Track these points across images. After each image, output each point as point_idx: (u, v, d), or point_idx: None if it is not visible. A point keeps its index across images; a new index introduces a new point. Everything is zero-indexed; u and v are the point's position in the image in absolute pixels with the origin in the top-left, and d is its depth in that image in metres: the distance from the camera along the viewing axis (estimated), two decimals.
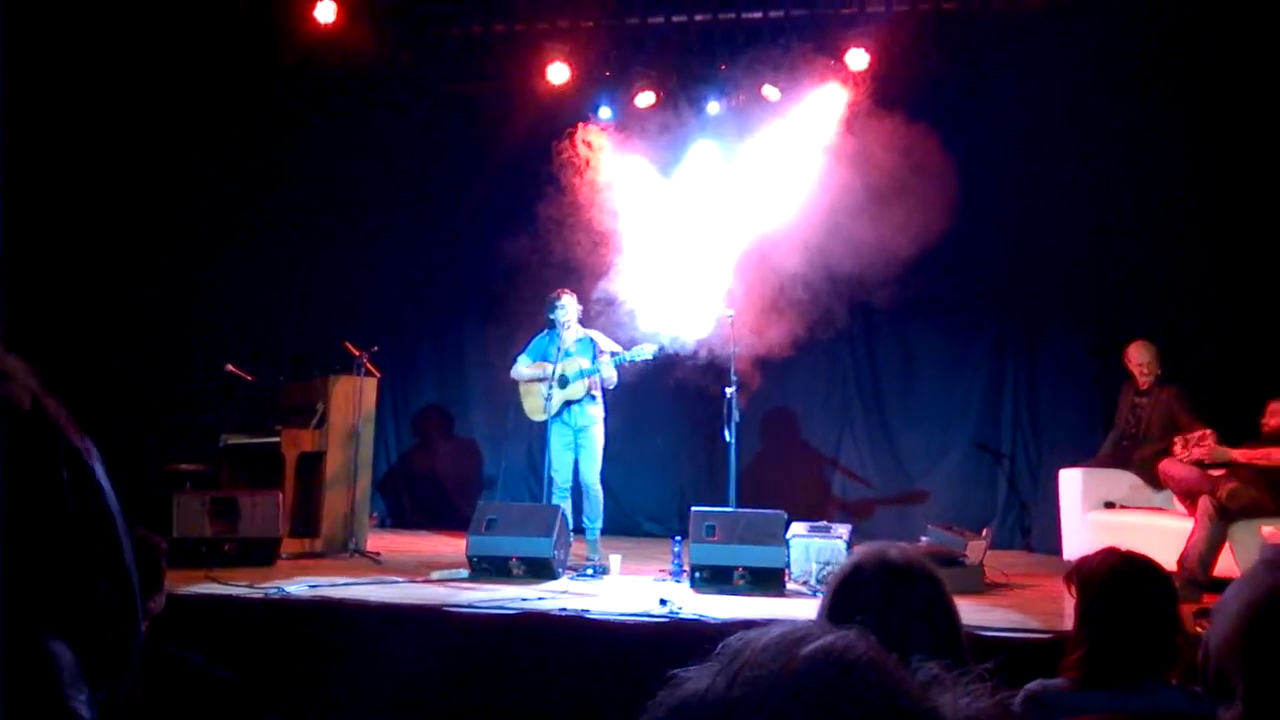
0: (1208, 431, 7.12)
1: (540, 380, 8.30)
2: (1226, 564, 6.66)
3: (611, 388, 8.39)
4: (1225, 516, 6.75)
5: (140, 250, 9.44)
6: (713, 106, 9.68)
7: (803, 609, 6.06)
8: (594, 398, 8.28)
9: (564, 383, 8.17)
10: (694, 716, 0.87)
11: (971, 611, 6.08)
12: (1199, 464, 7.20)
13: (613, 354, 8.29)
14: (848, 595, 2.33)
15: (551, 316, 8.32)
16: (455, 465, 11.05)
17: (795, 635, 0.90)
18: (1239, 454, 7.05)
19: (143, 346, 9.30)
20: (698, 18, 9.37)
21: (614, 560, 7.65)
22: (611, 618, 5.94)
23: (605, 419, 8.38)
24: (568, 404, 8.23)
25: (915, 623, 2.27)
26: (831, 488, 10.31)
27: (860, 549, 2.58)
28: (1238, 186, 8.64)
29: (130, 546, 1.77)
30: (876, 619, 2.15)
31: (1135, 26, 8.46)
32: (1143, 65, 8.66)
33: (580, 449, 8.29)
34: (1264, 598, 1.52)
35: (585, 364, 8.21)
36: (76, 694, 1.54)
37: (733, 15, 9.33)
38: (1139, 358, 8.22)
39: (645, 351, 8.28)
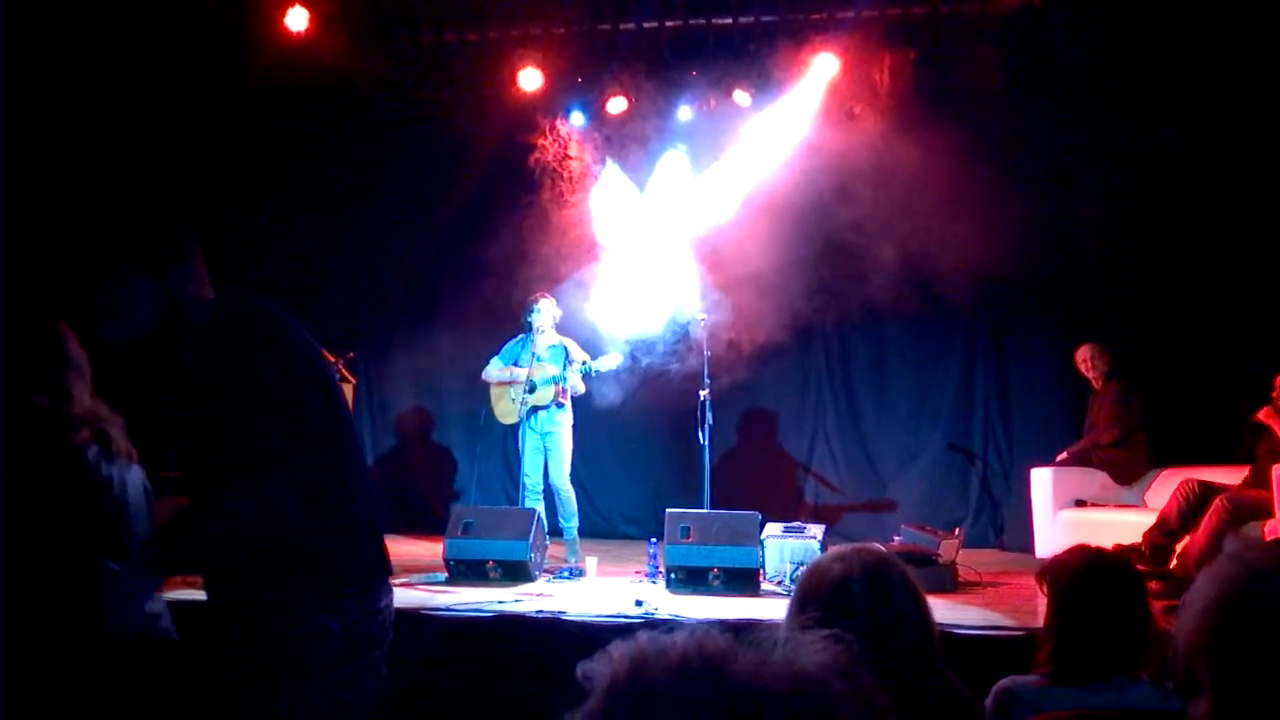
0: None
1: (509, 384, 8.34)
2: None
3: (577, 396, 8.41)
4: (1238, 516, 6.56)
5: (118, 254, 9.36)
6: (684, 112, 9.73)
7: (777, 609, 6.09)
8: (561, 405, 8.31)
9: (532, 388, 8.19)
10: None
11: (944, 610, 6.13)
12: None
13: (581, 364, 8.31)
14: (837, 603, 2.36)
15: (528, 320, 8.34)
16: (431, 469, 11.02)
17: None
18: None
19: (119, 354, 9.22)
20: (669, 23, 9.37)
21: (590, 562, 7.67)
22: (588, 619, 5.96)
23: (575, 425, 8.41)
24: (534, 409, 8.26)
25: (899, 621, 2.32)
26: (805, 488, 10.36)
27: (843, 558, 2.51)
28: (1204, 190, 8.72)
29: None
30: (864, 622, 2.22)
31: (1105, 32, 8.52)
32: (1113, 70, 8.72)
33: (549, 452, 8.33)
34: (1229, 590, 1.55)
35: (554, 371, 8.24)
36: None
37: (704, 21, 9.33)
38: (1079, 357, 8.59)
39: (611, 362, 8.29)
